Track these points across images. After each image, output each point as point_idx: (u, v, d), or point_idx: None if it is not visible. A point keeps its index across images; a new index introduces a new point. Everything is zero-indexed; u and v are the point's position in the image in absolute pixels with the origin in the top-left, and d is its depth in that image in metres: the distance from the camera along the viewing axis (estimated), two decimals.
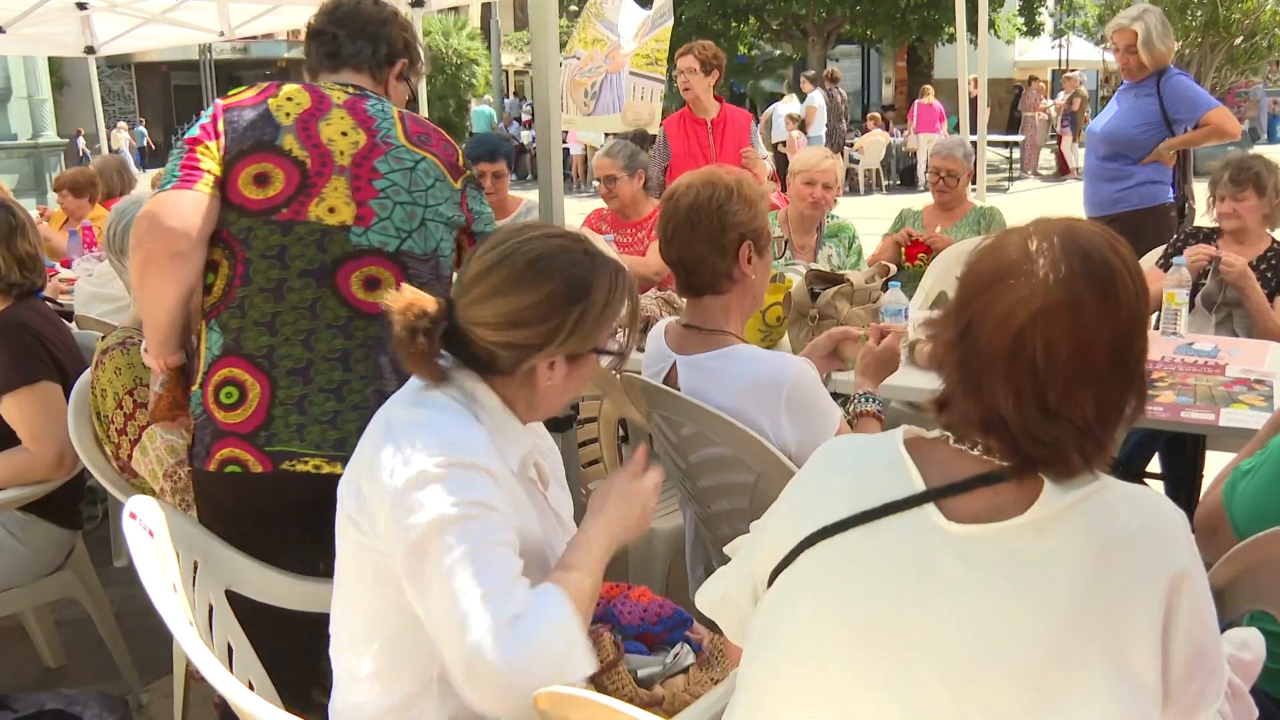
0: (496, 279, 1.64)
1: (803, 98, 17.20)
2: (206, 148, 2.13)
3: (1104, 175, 5.12)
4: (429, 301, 1.66)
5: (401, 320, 1.64)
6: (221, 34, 8.13)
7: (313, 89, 2.23)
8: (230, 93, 2.24)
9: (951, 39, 24.98)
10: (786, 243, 4.48)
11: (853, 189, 17.76)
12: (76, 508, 3.01)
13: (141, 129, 29.59)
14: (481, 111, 23.10)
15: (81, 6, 7.93)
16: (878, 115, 20.92)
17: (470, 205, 2.31)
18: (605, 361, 1.76)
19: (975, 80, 19.84)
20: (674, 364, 2.37)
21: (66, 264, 5.87)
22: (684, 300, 2.43)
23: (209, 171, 2.12)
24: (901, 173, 19.31)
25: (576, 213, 5.48)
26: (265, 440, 2.09)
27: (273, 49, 36.33)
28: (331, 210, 2.13)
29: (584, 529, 1.70)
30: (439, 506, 1.50)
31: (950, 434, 1.30)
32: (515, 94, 30.97)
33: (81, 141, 25.11)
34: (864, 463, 1.35)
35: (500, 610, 1.45)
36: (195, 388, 2.19)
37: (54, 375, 2.82)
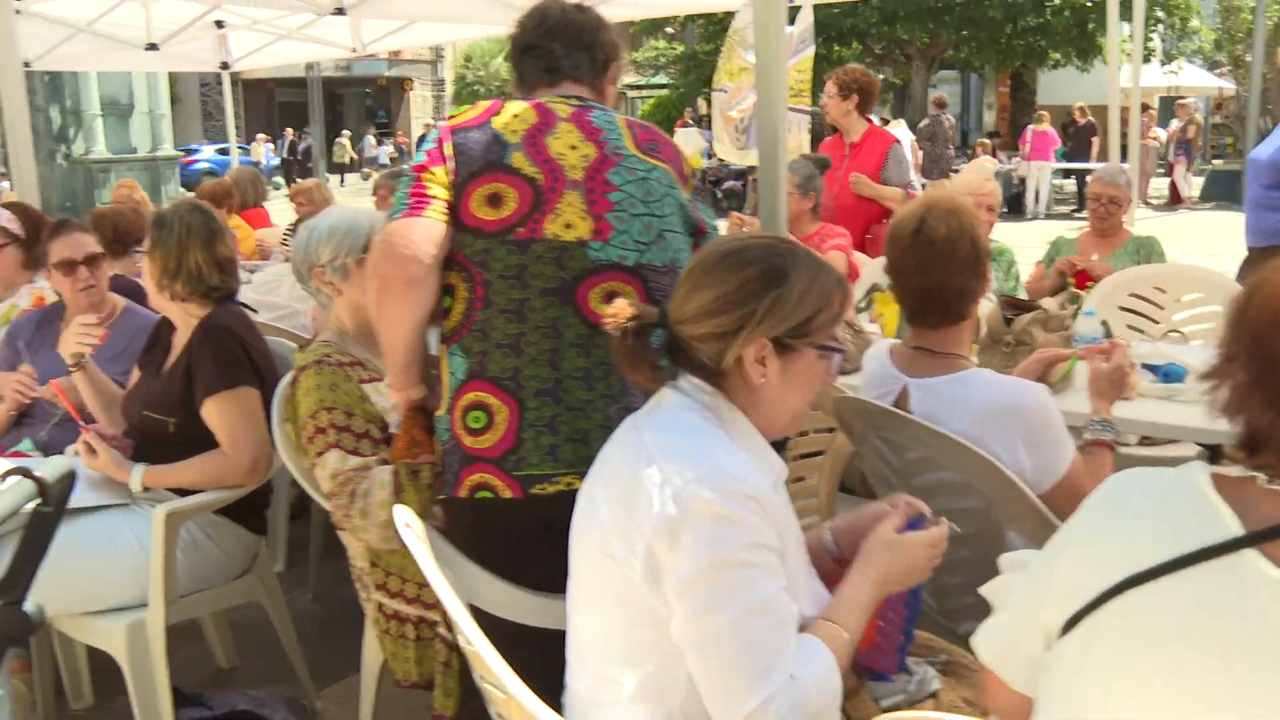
0: (698, 274, 1.69)
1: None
2: (433, 173, 2.11)
3: (1269, 204, 4.96)
4: (638, 306, 1.71)
5: (612, 323, 1.70)
6: (354, 50, 8.27)
7: (536, 104, 2.21)
8: (451, 114, 2.22)
9: (1057, 65, 24.62)
10: None
11: None
12: (263, 513, 3.04)
13: (284, 140, 30.58)
14: None
15: (219, 25, 8.15)
16: (986, 141, 20.66)
17: (701, 213, 2.28)
18: (827, 366, 1.72)
19: (1083, 108, 19.65)
20: (904, 387, 2.31)
21: None
22: (864, 322, 2.39)
23: (437, 197, 2.10)
24: (1008, 200, 18.99)
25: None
26: (514, 465, 2.07)
27: (374, 67, 37.17)
28: (568, 226, 2.11)
29: (851, 581, 1.68)
30: (717, 548, 1.49)
31: (1263, 474, 1.22)
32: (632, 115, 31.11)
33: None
34: (1165, 503, 1.28)
35: (778, 673, 1.48)
36: (441, 413, 2.17)
37: (254, 380, 2.86)
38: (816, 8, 6.41)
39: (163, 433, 2.86)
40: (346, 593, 3.96)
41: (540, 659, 1.86)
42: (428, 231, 2.07)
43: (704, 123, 23.95)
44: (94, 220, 4.66)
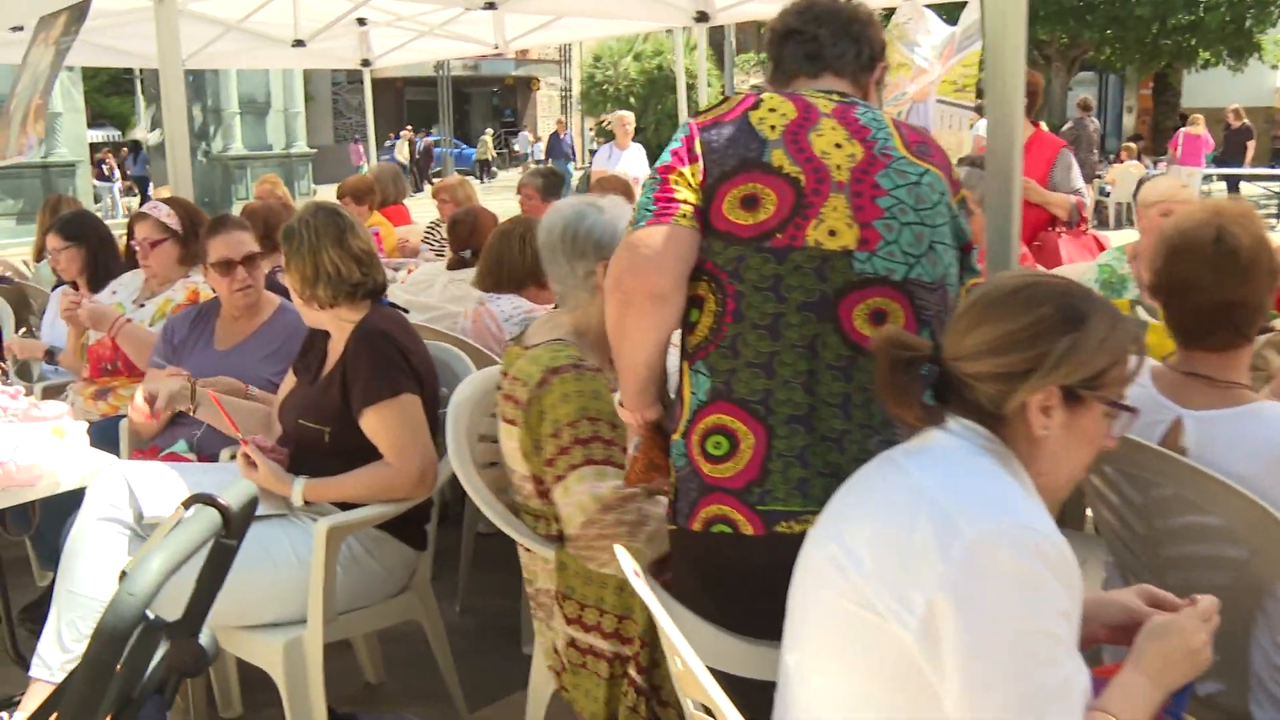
0: (982, 307, 1.53)
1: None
2: (681, 175, 1.92)
3: None
4: (914, 337, 1.57)
5: (884, 352, 1.54)
6: (495, 47, 8.21)
7: (795, 97, 1.98)
8: (701, 110, 2.02)
9: (1206, 65, 23.54)
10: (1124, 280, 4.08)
11: (1102, 223, 16.80)
12: (424, 527, 2.89)
13: (434, 136, 31.47)
14: None
15: (361, 23, 8.16)
16: (1131, 145, 19.82)
17: (966, 227, 2.05)
18: (1111, 425, 1.52)
19: (1238, 110, 18.69)
20: (1177, 420, 2.04)
21: None
22: None
23: (686, 201, 1.90)
24: None
25: None
26: (759, 498, 1.86)
27: (502, 66, 37.60)
28: (832, 233, 1.88)
29: (1134, 667, 1.46)
30: (1016, 614, 1.30)
31: None
32: None
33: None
34: None
35: None
36: (677, 436, 1.97)
37: (415, 387, 2.71)
38: (949, 7, 6.11)
39: (318, 443, 2.73)
40: (495, 604, 3.84)
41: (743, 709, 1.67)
42: (675, 241, 1.88)
43: None
44: (245, 216, 4.63)
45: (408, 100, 38.16)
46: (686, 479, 1.94)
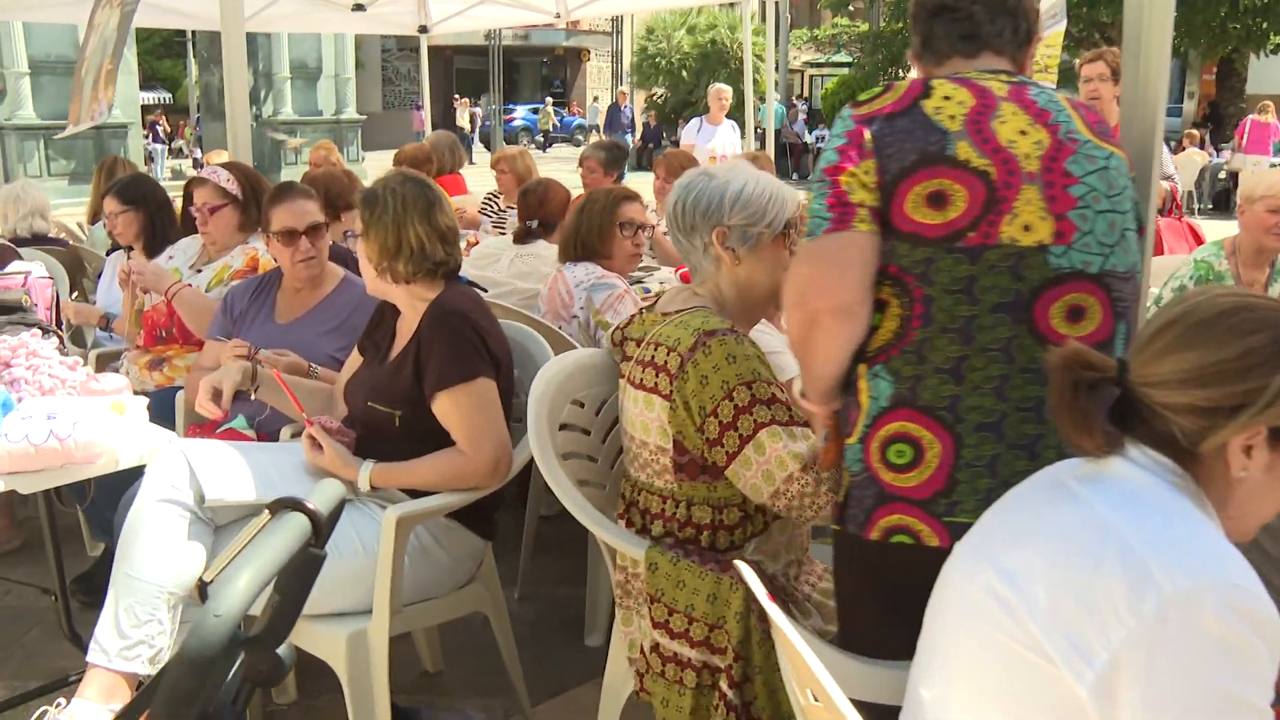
0: (1180, 330, 1.36)
1: None
2: (853, 175, 1.78)
3: None
4: (1098, 355, 1.38)
5: (1065, 371, 1.36)
6: (558, 15, 8.04)
7: (967, 82, 1.84)
8: (860, 100, 1.87)
9: (1277, 49, 22.89)
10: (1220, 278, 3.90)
11: (1162, 212, 16.36)
12: (493, 516, 2.76)
13: (493, 107, 31.71)
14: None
15: None
16: (1194, 132, 19.32)
17: (1143, 212, 1.93)
18: None
19: None
20: None
21: None
22: None
23: (862, 204, 1.77)
24: (1215, 196, 17.72)
25: None
26: (945, 510, 1.75)
27: (552, 37, 37.45)
28: (1026, 228, 1.74)
29: None
30: (1215, 683, 1.16)
31: None
32: (800, 96, 30.61)
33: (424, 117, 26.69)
34: None
35: None
36: (852, 441, 1.86)
37: (491, 371, 2.58)
38: None
39: (387, 426, 2.60)
40: (557, 592, 3.72)
41: None
42: (858, 249, 1.77)
43: None
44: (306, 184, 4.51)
45: (457, 69, 38.07)
46: (862, 485, 1.84)
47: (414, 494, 2.56)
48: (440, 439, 2.57)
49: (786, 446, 2.10)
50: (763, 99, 11.18)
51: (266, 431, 3.11)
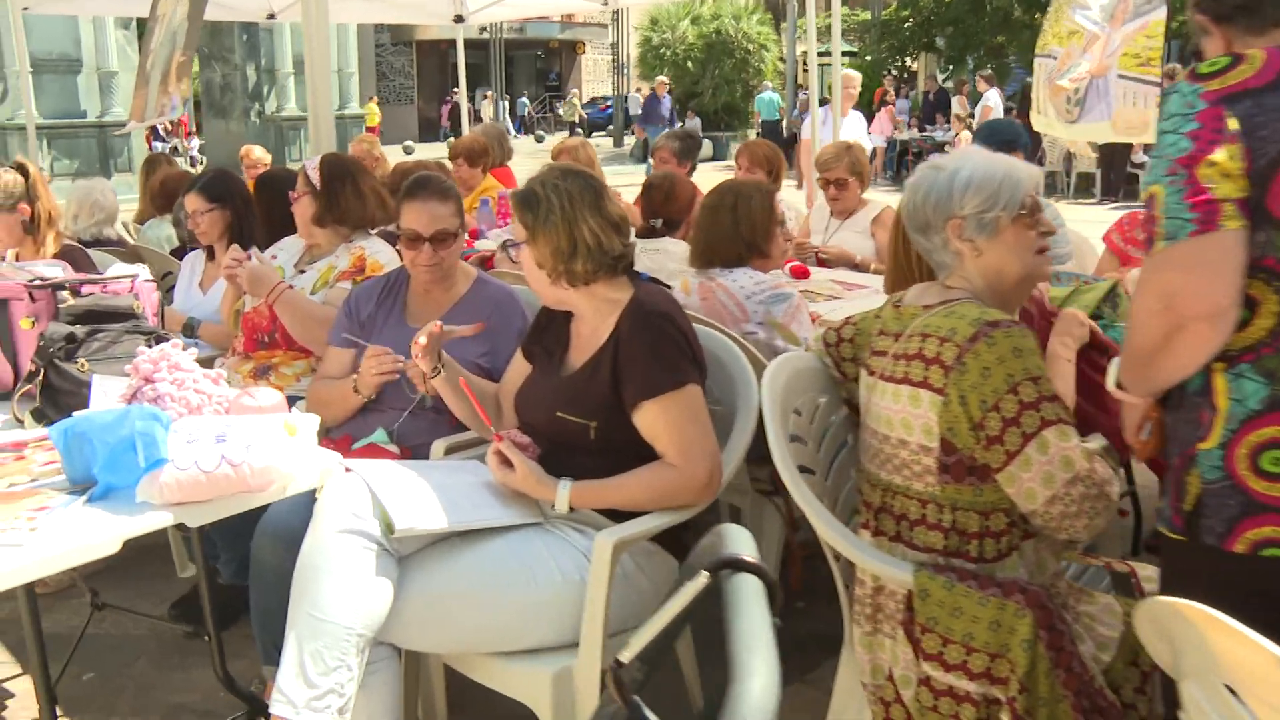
0: None
1: (977, 99, 16.17)
2: (1213, 164, 1.57)
3: None
4: None
5: None
6: (605, 3, 7.76)
7: None
8: (1203, 72, 1.63)
9: None
10: None
11: None
12: (684, 535, 2.49)
13: (524, 100, 31.50)
14: (765, 98, 22.47)
15: None
16: None
17: None
18: None
19: None
20: None
21: (475, 234, 5.56)
22: None
23: (1227, 199, 1.57)
24: None
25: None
26: None
27: (547, 29, 37.04)
28: None
29: None
30: None
31: None
32: (801, 86, 30.40)
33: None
34: None
35: None
36: (1208, 446, 1.69)
37: (699, 376, 2.32)
38: None
39: (580, 438, 2.33)
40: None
41: None
42: (1231, 250, 1.59)
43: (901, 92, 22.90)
44: (399, 181, 4.24)
45: (451, 64, 37.68)
46: (1222, 494, 1.68)
47: (611, 514, 2.30)
48: (638, 452, 2.31)
49: (1076, 444, 1.93)
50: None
51: (408, 445, 2.84)
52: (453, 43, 8.43)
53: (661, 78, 21.64)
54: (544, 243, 2.35)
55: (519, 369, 2.61)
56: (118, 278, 2.98)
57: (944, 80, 24.30)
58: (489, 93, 29.97)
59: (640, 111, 22.34)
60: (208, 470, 2.01)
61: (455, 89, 31.39)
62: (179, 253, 4.78)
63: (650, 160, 6.07)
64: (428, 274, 2.96)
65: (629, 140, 26.47)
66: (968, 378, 1.96)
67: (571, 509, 2.29)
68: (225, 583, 3.13)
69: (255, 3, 7.60)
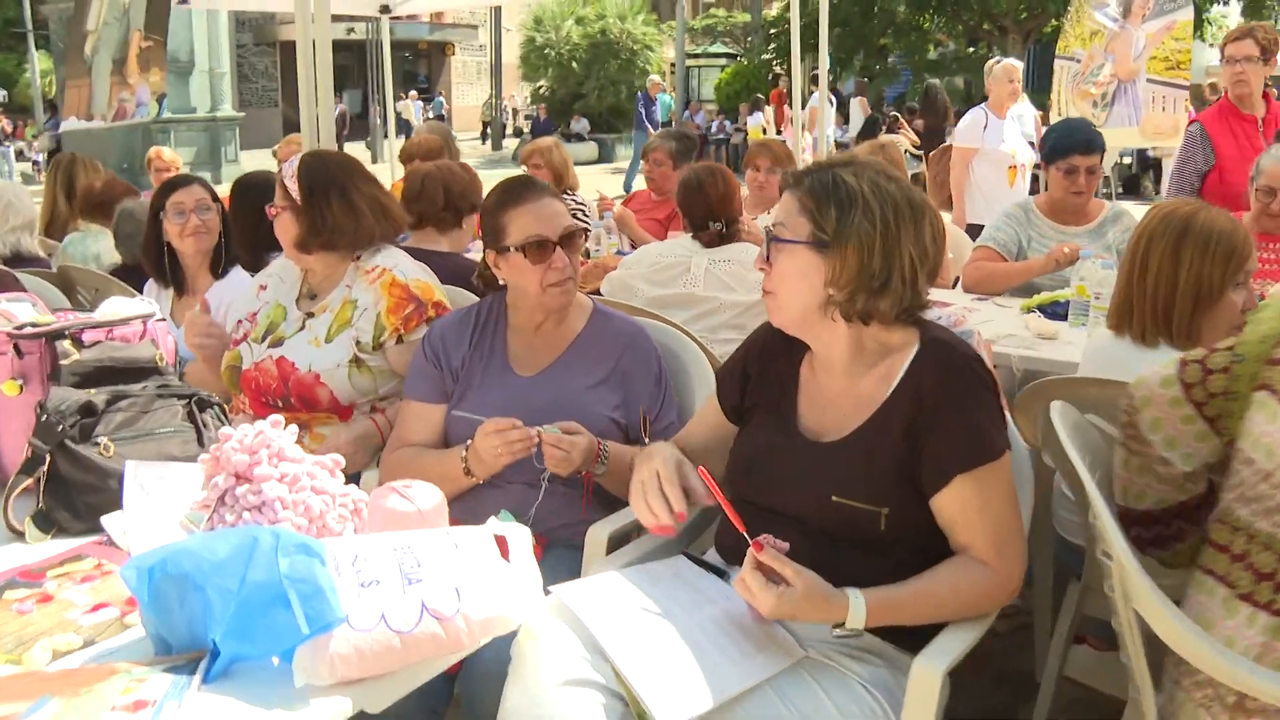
0: None
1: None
2: None
3: None
4: None
5: None
6: None
7: None
8: None
9: None
10: None
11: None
12: None
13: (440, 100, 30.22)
14: (664, 100, 21.91)
15: None
16: None
17: None
18: None
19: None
20: None
21: None
22: None
23: None
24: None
25: None
26: None
27: (416, 30, 35.87)
28: None
29: None
30: None
31: None
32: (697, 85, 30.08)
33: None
34: None
35: None
36: None
37: (1008, 442, 1.73)
38: None
39: (864, 531, 1.72)
40: None
41: None
42: None
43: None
44: (416, 180, 3.56)
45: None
46: None
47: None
48: (923, 545, 1.72)
49: None
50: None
51: (540, 530, 2.14)
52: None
53: (654, 77, 20.19)
54: (851, 256, 1.71)
55: (722, 431, 1.97)
56: (125, 319, 2.20)
57: (834, 82, 24.25)
58: (412, 92, 28.87)
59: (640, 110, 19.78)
60: (403, 631, 1.32)
61: (341, 92, 30.36)
62: (124, 274, 3.90)
63: (642, 163, 5.48)
64: (560, 293, 2.29)
65: (508, 144, 25.67)
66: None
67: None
68: None
69: None
